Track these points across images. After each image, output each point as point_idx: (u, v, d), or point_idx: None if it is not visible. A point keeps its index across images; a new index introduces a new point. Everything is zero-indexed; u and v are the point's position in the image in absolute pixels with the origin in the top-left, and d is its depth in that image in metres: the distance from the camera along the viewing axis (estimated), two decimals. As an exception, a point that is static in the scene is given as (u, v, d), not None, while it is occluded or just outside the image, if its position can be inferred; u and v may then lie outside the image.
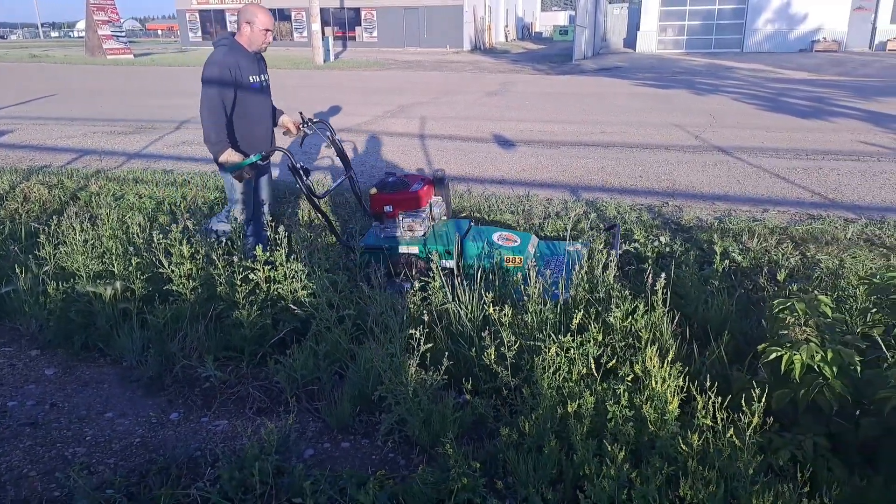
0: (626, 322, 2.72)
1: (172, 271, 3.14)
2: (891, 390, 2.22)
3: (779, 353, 2.45)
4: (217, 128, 3.51)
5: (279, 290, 3.08)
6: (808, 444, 2.32)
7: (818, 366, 2.39)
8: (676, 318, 2.97)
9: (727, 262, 3.97)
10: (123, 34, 29.67)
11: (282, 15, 35.77)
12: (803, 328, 2.48)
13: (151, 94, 14.76)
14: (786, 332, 2.54)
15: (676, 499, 1.90)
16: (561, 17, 53.23)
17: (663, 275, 3.17)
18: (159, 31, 77.06)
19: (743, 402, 2.10)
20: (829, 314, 2.67)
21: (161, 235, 3.26)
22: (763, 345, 2.56)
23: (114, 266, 3.28)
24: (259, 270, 3.07)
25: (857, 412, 2.39)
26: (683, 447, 1.95)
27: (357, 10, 34.09)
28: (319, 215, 3.89)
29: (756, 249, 4.39)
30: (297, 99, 13.72)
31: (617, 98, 12.70)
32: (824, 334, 2.56)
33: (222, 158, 3.54)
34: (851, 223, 4.97)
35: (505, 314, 2.44)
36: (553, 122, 9.83)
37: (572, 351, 2.33)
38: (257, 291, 3.07)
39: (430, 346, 2.37)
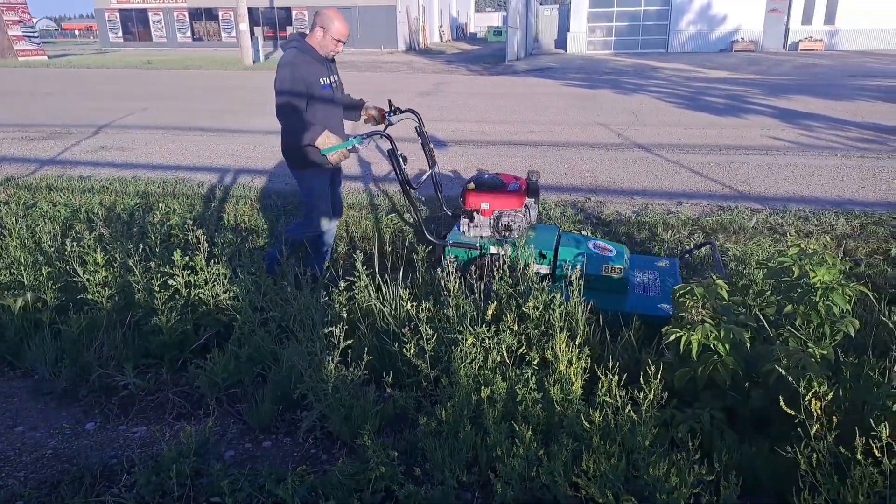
0: (540, 313, 2.85)
1: (87, 280, 3.06)
2: (774, 363, 2.43)
3: (678, 335, 2.63)
4: (301, 117, 3.47)
5: (200, 295, 3.06)
6: (706, 417, 2.50)
7: (713, 344, 2.58)
8: (589, 305, 3.14)
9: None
10: (36, 34, 28.19)
11: (209, 14, 34.82)
12: (700, 310, 2.67)
13: (68, 97, 14.10)
14: (685, 314, 2.74)
15: (582, 472, 2.02)
16: (495, 18, 54.04)
17: (577, 266, 3.34)
18: (77, 32, 73.40)
19: (641, 380, 2.26)
20: (726, 297, 2.87)
21: (75, 243, 3.17)
22: (666, 327, 2.74)
23: (23, 277, 3.16)
24: (178, 276, 3.04)
25: (748, 385, 2.61)
26: (587, 424, 2.07)
27: (288, 10, 33.52)
28: (411, 207, 3.79)
29: (669, 240, 4.64)
30: (225, 100, 13.43)
31: (546, 98, 13.02)
32: (720, 316, 2.77)
33: (320, 141, 3.45)
34: (757, 213, 5.32)
35: (423, 309, 2.51)
36: (485, 122, 10.02)
37: (487, 341, 2.42)
38: (177, 297, 3.03)
39: (349, 342, 2.42)
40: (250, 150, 8.11)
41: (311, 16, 33.24)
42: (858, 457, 1.83)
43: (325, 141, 3.45)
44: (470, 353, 2.32)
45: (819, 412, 2.00)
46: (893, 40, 26.34)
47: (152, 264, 3.02)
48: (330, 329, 2.37)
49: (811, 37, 26.57)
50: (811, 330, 2.76)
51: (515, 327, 2.62)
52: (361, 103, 4.00)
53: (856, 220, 5.06)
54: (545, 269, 3.46)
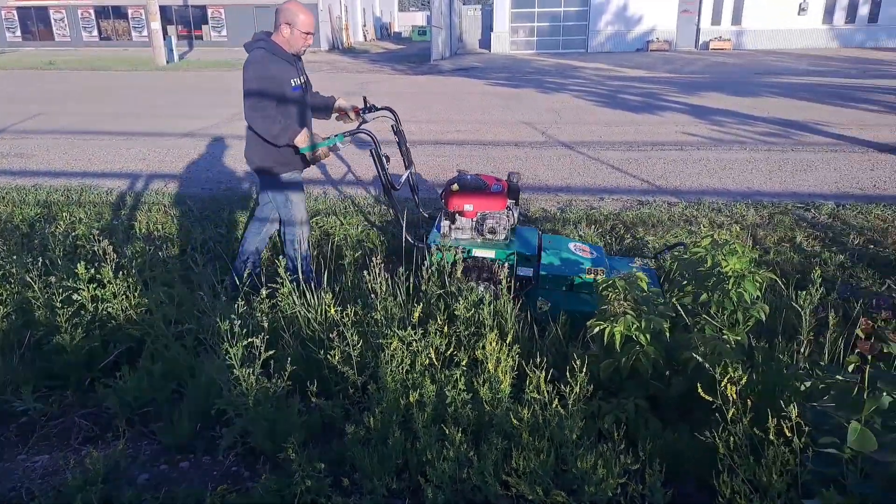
0: (470, 313, 2.84)
1: (-22, 298, 2.81)
2: (692, 351, 2.51)
3: (602, 327, 2.68)
4: (275, 119, 3.27)
5: (108, 310, 2.86)
6: (630, 406, 2.55)
7: (635, 335, 2.64)
8: (519, 303, 3.15)
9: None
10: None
11: (117, 13, 33.01)
12: (622, 303, 2.73)
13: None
14: (608, 307, 2.79)
15: (512, 470, 2.01)
16: (419, 18, 54.02)
17: (506, 265, 3.36)
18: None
19: (568, 374, 2.28)
20: (646, 289, 2.96)
21: (-39, 259, 2.90)
22: (591, 321, 2.79)
23: None
24: (83, 290, 2.83)
25: (668, 373, 2.69)
26: (515, 421, 2.07)
27: (203, 8, 32.27)
28: (393, 209, 3.71)
29: (591, 235, 4.75)
30: (135, 103, 12.77)
31: (471, 97, 13.12)
32: (641, 307, 2.84)
33: (299, 140, 3.30)
34: (673, 206, 5.54)
35: (347, 314, 2.45)
36: (410, 122, 9.96)
37: (415, 343, 2.38)
38: (83, 313, 2.83)
39: (271, 353, 2.32)
40: (163, 154, 7.73)
41: (227, 15, 32.26)
42: (771, 437, 1.91)
43: (304, 139, 3.34)
44: (396, 356, 2.27)
45: (734, 397, 2.07)
46: (791, 40, 28.13)
47: (53, 278, 2.81)
48: (250, 339, 2.26)
49: (720, 37, 27.96)
50: (726, 317, 2.88)
51: (445, 329, 2.60)
52: (332, 101, 3.86)
53: (764, 210, 5.35)
54: (529, 272, 3.42)
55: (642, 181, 6.43)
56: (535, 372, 2.26)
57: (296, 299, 2.92)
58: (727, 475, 1.96)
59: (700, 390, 2.09)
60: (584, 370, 2.27)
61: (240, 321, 2.26)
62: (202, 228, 4.64)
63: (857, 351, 1.81)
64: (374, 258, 2.78)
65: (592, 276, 3.35)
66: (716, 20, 28.56)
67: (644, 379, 2.63)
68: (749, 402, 2.07)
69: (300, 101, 3.52)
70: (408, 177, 3.93)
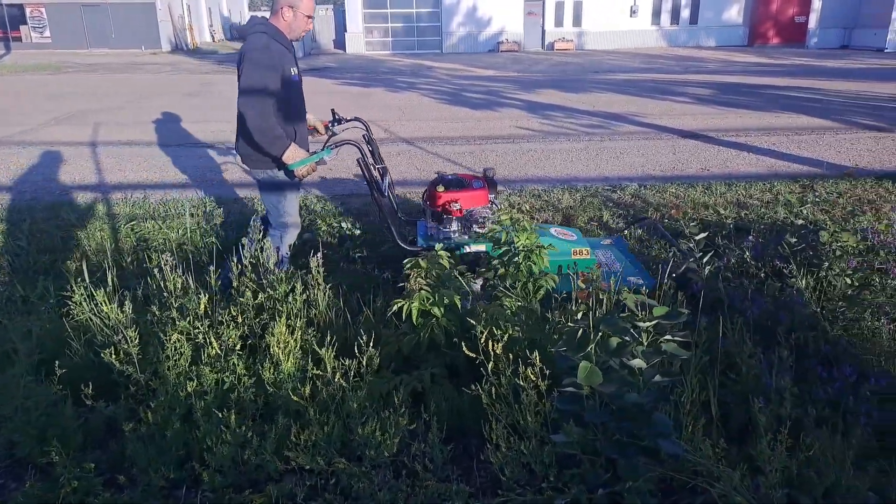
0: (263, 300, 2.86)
1: None
2: (476, 318, 2.73)
3: (400, 304, 2.84)
4: (273, 123, 3.04)
5: None
6: (427, 376, 2.72)
7: (431, 309, 2.83)
8: (327, 287, 3.23)
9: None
10: None
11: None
12: (419, 280, 2.91)
13: None
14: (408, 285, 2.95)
15: (295, 446, 2.08)
16: (272, 18, 52.31)
17: (318, 255, 3.43)
18: None
19: (356, 350, 2.39)
20: (447, 266, 3.16)
21: None
22: (395, 300, 2.93)
23: None
24: None
25: (462, 342, 2.90)
26: (295, 398, 2.15)
27: (21, 7, 29.10)
28: (382, 215, 3.64)
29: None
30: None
31: (321, 97, 13.00)
32: (442, 283, 3.04)
33: (287, 156, 3.09)
34: (500, 194, 5.89)
35: (124, 311, 2.39)
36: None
37: (202, 336, 2.38)
38: None
39: (40, 356, 2.21)
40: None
41: (49, 14, 29.34)
42: (521, 383, 2.14)
43: (294, 155, 3.14)
44: (178, 349, 2.26)
45: (499, 352, 2.29)
46: (626, 40, 30.67)
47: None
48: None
49: (564, 38, 29.83)
50: (520, 287, 3.16)
51: (240, 318, 2.61)
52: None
53: (577, 193, 5.85)
54: None
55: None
56: (327, 350, 2.35)
57: (86, 305, 2.79)
58: (495, 423, 2.17)
59: (465, 348, 2.29)
60: (372, 345, 2.39)
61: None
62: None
63: (580, 301, 2.09)
64: (163, 256, 2.71)
65: (579, 256, 3.56)
66: (558, 22, 30.42)
67: (441, 350, 2.82)
68: (510, 357, 2.30)
69: (298, 92, 3.38)
70: (388, 184, 3.86)
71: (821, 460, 2.49)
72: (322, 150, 3.26)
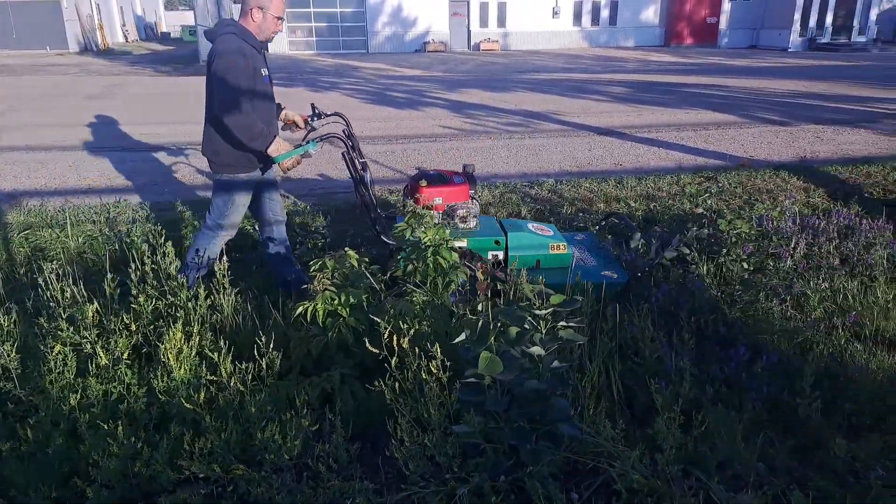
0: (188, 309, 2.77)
1: None
2: (383, 315, 2.72)
3: (305, 306, 2.80)
4: (255, 122, 3.03)
5: None
6: (336, 376, 2.69)
7: (337, 309, 2.80)
8: (233, 292, 3.14)
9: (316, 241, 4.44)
10: None
11: None
12: (323, 280, 2.87)
13: None
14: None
15: (190, 454, 2.01)
16: (190, 17, 50.49)
17: (224, 259, 3.33)
18: None
19: (256, 353, 2.34)
20: (356, 265, 3.14)
21: None
22: (299, 302, 2.88)
23: None
24: None
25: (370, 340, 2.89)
26: (189, 406, 2.08)
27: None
28: (367, 210, 3.63)
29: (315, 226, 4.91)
30: None
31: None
32: (349, 282, 3.01)
33: (272, 148, 3.10)
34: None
35: (2, 324, 2.24)
36: (163, 124, 9.33)
37: (90, 346, 2.27)
38: None
39: None
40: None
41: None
42: (424, 377, 2.15)
43: (278, 147, 3.14)
44: (62, 361, 2.14)
45: (405, 346, 2.28)
46: (550, 40, 31.40)
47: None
48: None
49: (489, 38, 30.21)
50: (429, 282, 3.17)
51: (134, 327, 2.50)
52: (279, 108, 3.61)
53: (497, 190, 5.94)
54: (500, 256, 3.59)
55: (396, 171, 6.76)
56: (222, 355, 2.28)
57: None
58: (400, 418, 2.17)
59: (368, 345, 2.28)
60: (281, 348, 2.35)
61: None
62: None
63: (478, 293, 2.13)
64: (51, 265, 2.56)
65: (556, 250, 3.64)
66: (484, 23, 30.77)
67: (350, 349, 2.80)
68: (416, 351, 2.31)
69: (269, 94, 3.33)
70: (370, 180, 3.80)
71: (715, 436, 2.63)
72: (308, 143, 3.31)
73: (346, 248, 3.26)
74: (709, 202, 5.46)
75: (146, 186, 6.15)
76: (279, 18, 3.26)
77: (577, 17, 31.44)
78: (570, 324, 2.23)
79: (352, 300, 2.76)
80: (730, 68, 18.90)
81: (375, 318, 2.48)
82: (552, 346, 2.24)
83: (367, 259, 3.49)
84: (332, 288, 2.80)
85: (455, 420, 2.18)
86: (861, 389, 2.81)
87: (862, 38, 27.93)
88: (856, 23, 28.41)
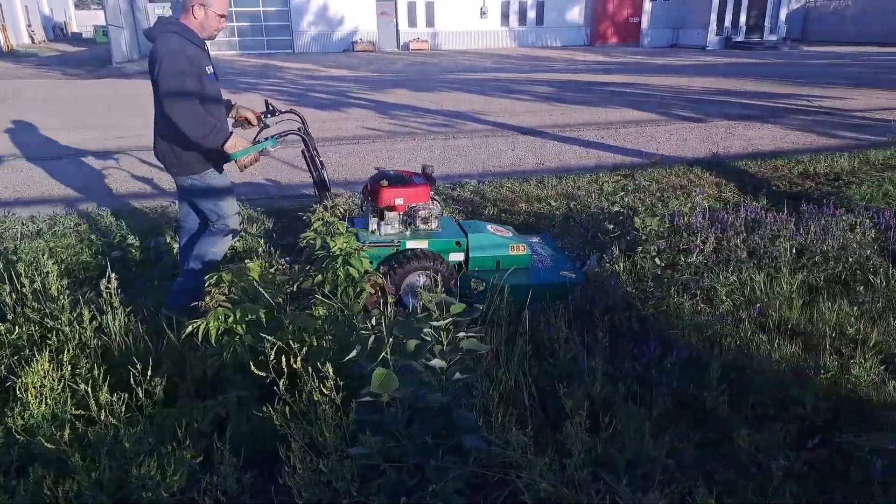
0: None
1: None
2: (283, 332, 2.58)
3: (195, 325, 2.62)
4: (205, 120, 2.96)
5: None
6: (232, 398, 2.52)
7: (233, 326, 2.63)
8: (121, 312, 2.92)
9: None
10: None
11: None
12: (216, 296, 2.69)
13: None
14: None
15: (55, 498, 1.82)
16: (103, 17, 48.05)
17: (112, 275, 3.10)
18: None
19: (132, 381, 2.15)
20: (257, 278, 2.97)
21: None
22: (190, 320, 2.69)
23: None
24: None
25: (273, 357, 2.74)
26: (50, 446, 1.88)
27: None
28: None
29: (256, 233, 4.70)
30: None
31: (145, 98, 12.07)
32: (249, 296, 2.84)
33: (229, 145, 3.02)
34: (339, 196, 5.74)
35: None
36: (65, 130, 8.77)
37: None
38: None
39: None
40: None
41: None
42: (316, 398, 2.03)
43: (235, 143, 3.06)
44: None
45: (296, 367, 2.15)
46: (479, 40, 31.61)
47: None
48: None
49: (418, 38, 30.12)
50: (339, 293, 3.04)
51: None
52: (229, 104, 3.52)
53: (418, 191, 5.84)
54: (461, 257, 3.58)
55: (270, 181, 6.54)
56: (94, 387, 2.08)
57: None
58: (294, 443, 2.03)
59: (253, 367, 2.13)
60: (150, 375, 2.16)
61: None
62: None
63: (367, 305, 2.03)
64: None
65: (516, 251, 3.67)
66: (412, 22, 30.67)
67: (248, 369, 2.63)
68: (310, 370, 2.18)
69: (216, 93, 3.22)
70: (324, 178, 3.74)
71: (625, 435, 2.62)
72: (267, 139, 3.20)
73: (246, 260, 3.09)
74: (625, 199, 5.55)
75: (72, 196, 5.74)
76: (222, 16, 3.17)
77: (505, 17, 31.81)
78: (471, 333, 2.15)
79: (249, 316, 2.60)
80: (651, 67, 19.54)
81: (266, 337, 2.32)
82: (455, 357, 2.16)
83: (274, 269, 3.34)
84: (227, 304, 2.63)
85: (354, 441, 2.06)
86: (765, 380, 2.87)
87: (773, 37, 29.48)
88: (767, 22, 29.97)
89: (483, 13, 31.18)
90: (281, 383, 2.06)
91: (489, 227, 3.86)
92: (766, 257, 4.07)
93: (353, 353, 2.00)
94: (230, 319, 2.58)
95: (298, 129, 3.62)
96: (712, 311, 3.46)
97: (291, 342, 2.21)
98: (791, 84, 14.04)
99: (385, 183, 3.57)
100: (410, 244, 3.54)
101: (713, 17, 29.03)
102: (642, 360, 3.06)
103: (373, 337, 1.98)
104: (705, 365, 2.80)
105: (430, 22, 30.87)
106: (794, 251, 4.12)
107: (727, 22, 29.44)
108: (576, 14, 32.33)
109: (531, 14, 32.02)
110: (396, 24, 30.32)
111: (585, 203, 5.47)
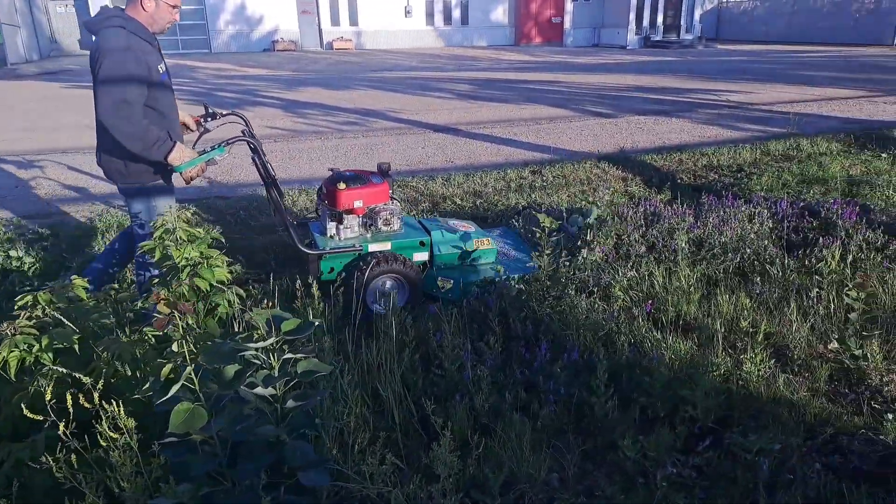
0: None
1: None
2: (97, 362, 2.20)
3: (-6, 355, 2.19)
4: (147, 125, 2.71)
5: None
6: (41, 442, 2.12)
7: (38, 356, 2.22)
8: None
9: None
10: None
11: None
12: (19, 322, 2.27)
13: None
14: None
15: None
16: None
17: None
18: None
19: None
20: (84, 297, 2.56)
21: None
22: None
23: None
24: None
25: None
26: None
27: None
28: (280, 217, 3.40)
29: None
30: None
31: (32, 103, 11.17)
32: (70, 321, 2.42)
33: (174, 156, 2.79)
34: (228, 199, 5.35)
35: None
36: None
37: None
38: None
39: None
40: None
41: None
42: (103, 442, 1.68)
43: (181, 156, 2.82)
44: None
45: (88, 405, 1.79)
46: (404, 40, 31.31)
47: None
48: None
49: (342, 37, 29.48)
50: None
51: None
52: None
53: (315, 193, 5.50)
54: (425, 256, 3.49)
55: (206, 179, 6.10)
56: None
57: None
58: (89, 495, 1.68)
59: (25, 410, 1.76)
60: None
61: None
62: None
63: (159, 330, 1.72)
64: None
65: (481, 245, 3.60)
66: (335, 21, 30.00)
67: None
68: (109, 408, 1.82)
69: (168, 92, 2.95)
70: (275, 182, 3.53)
71: (503, 451, 2.39)
72: (213, 148, 2.97)
73: (74, 276, 2.68)
74: (532, 196, 5.39)
75: None
76: (174, 7, 2.89)
77: (430, 16, 31.62)
78: (301, 354, 1.85)
79: (59, 344, 2.20)
80: (573, 65, 19.78)
81: (60, 370, 1.95)
82: (289, 381, 1.86)
83: (115, 288, 2.95)
84: (33, 330, 2.22)
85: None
86: (655, 380, 2.71)
87: (689, 36, 30.58)
88: (683, 22, 31.06)
89: (407, 12, 30.90)
90: (61, 426, 1.70)
91: (451, 222, 3.79)
92: (665, 251, 3.97)
93: (147, 386, 1.66)
94: (35, 348, 2.17)
95: (243, 132, 3.39)
96: (608, 309, 3.30)
97: (83, 376, 1.84)
98: (701, 80, 14.45)
99: (342, 185, 3.34)
100: (373, 247, 3.39)
101: (632, 16, 29.84)
102: (532, 365, 2.85)
103: (169, 366, 1.65)
104: (595, 368, 2.61)
105: (353, 21, 30.30)
106: (693, 244, 4.03)
107: (645, 21, 30.32)
108: (500, 14, 32.52)
109: (456, 14, 31.98)
110: (319, 22, 29.60)
111: (492, 200, 5.26)
